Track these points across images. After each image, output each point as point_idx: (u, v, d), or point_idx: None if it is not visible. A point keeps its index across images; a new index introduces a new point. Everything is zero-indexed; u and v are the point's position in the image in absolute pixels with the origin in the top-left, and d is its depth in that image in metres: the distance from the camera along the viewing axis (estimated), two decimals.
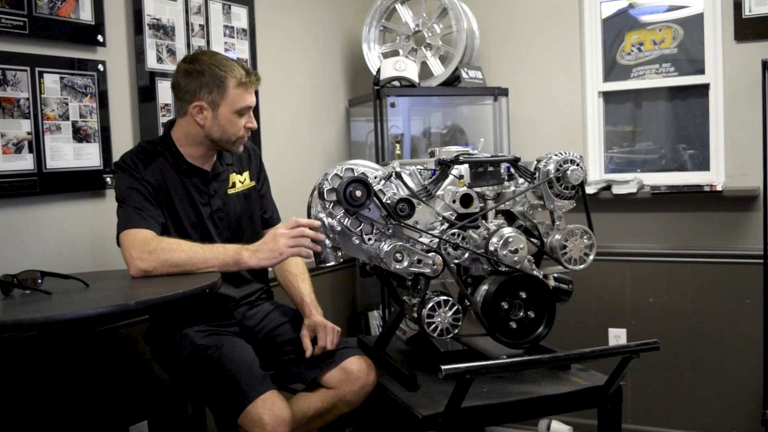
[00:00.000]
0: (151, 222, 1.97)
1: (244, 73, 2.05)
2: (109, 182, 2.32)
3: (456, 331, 1.87)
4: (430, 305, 1.85)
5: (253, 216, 2.26)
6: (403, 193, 1.93)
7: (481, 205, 1.99)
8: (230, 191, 2.19)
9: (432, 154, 2.08)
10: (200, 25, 2.68)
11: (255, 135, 2.94)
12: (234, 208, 2.19)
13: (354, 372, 2.03)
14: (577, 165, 1.96)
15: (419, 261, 1.85)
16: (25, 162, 2.10)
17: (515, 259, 1.89)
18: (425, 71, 3.37)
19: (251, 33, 2.92)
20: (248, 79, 2.06)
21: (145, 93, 2.47)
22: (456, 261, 1.91)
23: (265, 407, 1.86)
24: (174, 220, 2.07)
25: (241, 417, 1.87)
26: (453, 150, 2.04)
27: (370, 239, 1.87)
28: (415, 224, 1.90)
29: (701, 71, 3.19)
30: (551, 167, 1.96)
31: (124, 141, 2.38)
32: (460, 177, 1.98)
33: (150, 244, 1.91)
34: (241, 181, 2.23)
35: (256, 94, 2.91)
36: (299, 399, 2.04)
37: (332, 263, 1.94)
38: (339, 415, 2.08)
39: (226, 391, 1.91)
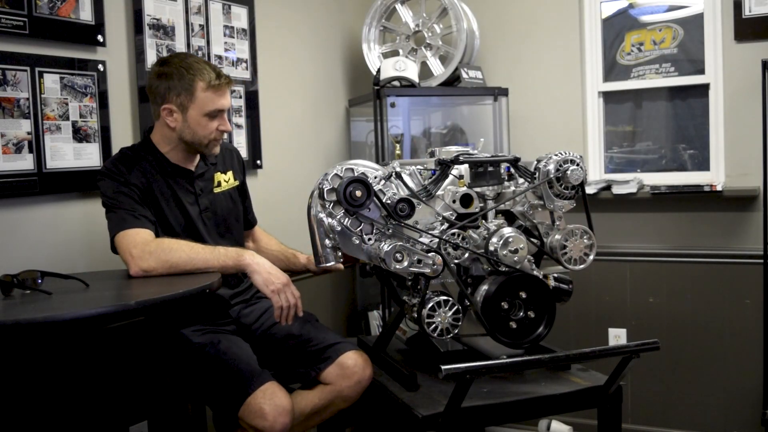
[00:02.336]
0: (145, 222, 1.98)
1: (213, 76, 2.04)
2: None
3: (456, 331, 1.87)
4: (430, 305, 1.85)
5: (239, 215, 2.28)
6: (403, 193, 1.93)
7: (481, 205, 1.99)
8: (216, 190, 2.21)
9: (432, 154, 2.08)
10: (200, 25, 2.68)
11: (255, 134, 2.94)
12: (221, 207, 2.20)
13: (350, 367, 2.03)
14: (577, 165, 1.96)
15: (419, 261, 1.85)
16: (25, 162, 2.10)
17: (515, 259, 1.89)
18: (425, 71, 3.37)
19: (251, 33, 2.92)
20: (218, 82, 2.04)
21: (145, 93, 2.46)
22: (456, 261, 1.91)
23: (265, 397, 1.87)
24: (161, 222, 2.07)
25: (242, 409, 1.88)
26: (453, 150, 2.04)
27: (370, 239, 1.87)
28: (415, 224, 1.90)
29: (701, 71, 3.19)
30: (551, 167, 1.96)
31: (124, 141, 2.38)
32: (460, 177, 1.98)
33: (150, 245, 1.91)
34: (225, 180, 2.25)
35: (251, 98, 2.94)
36: (296, 396, 2.04)
37: (332, 263, 1.94)
38: (337, 411, 2.09)
39: (226, 385, 1.92)
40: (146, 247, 1.90)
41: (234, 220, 2.25)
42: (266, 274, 1.96)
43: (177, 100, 2.05)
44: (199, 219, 2.13)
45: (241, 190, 2.34)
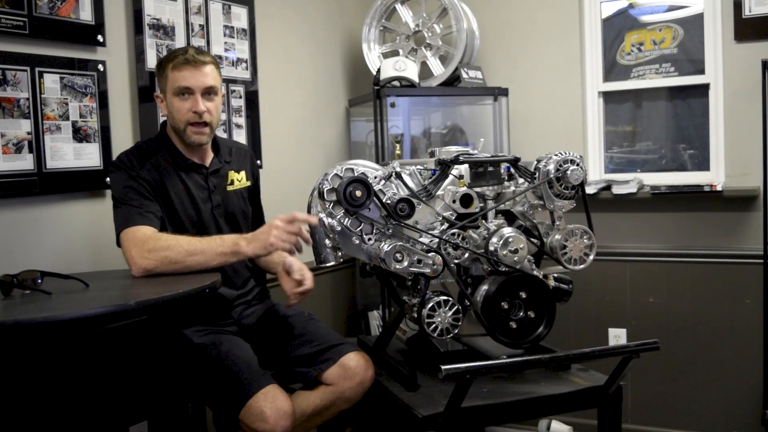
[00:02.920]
0: (150, 218, 1.98)
1: (181, 55, 2.05)
2: (109, 182, 2.31)
3: (456, 331, 1.87)
4: (430, 305, 1.85)
5: (248, 215, 2.28)
6: (403, 193, 1.93)
7: (481, 205, 1.99)
8: (229, 188, 2.21)
9: (432, 154, 2.08)
10: (200, 25, 2.68)
11: (255, 134, 2.94)
12: (232, 205, 2.20)
13: (352, 368, 2.03)
14: (577, 165, 1.96)
15: (419, 261, 1.85)
16: (25, 162, 2.10)
17: (515, 259, 1.89)
18: (425, 71, 3.37)
19: (251, 33, 2.92)
20: (183, 59, 2.03)
21: (145, 93, 2.46)
22: (456, 261, 1.91)
23: (266, 400, 1.86)
24: (172, 218, 2.07)
25: (243, 412, 1.87)
26: (453, 150, 2.04)
27: (370, 239, 1.87)
28: (415, 224, 1.90)
29: (701, 71, 3.19)
30: (551, 167, 1.96)
31: (124, 141, 2.38)
32: (460, 177, 1.98)
33: (149, 243, 1.91)
34: (238, 180, 2.25)
35: (251, 98, 2.93)
36: (298, 397, 2.04)
37: (332, 263, 1.94)
38: (338, 412, 2.08)
39: (227, 387, 1.92)
40: (145, 246, 1.90)
41: (243, 219, 2.25)
42: (258, 242, 1.93)
43: (159, 87, 2.12)
44: (211, 215, 2.14)
45: (253, 192, 2.33)
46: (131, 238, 1.93)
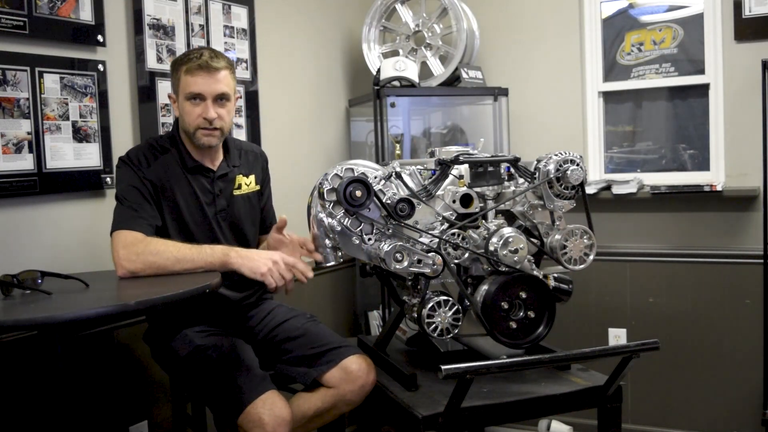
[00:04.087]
0: (143, 224, 1.97)
1: (194, 59, 2.03)
2: (109, 182, 2.32)
3: (456, 331, 1.87)
4: (430, 305, 1.85)
5: (255, 220, 2.26)
6: (403, 193, 1.93)
7: (481, 205, 1.99)
8: (236, 192, 2.19)
9: (432, 154, 2.08)
10: (200, 25, 2.68)
11: (255, 134, 2.94)
12: (238, 210, 2.19)
13: (354, 371, 2.02)
14: (577, 165, 1.96)
15: (419, 261, 1.85)
16: (25, 162, 2.10)
17: (515, 259, 1.89)
18: (425, 71, 3.37)
19: (251, 33, 2.92)
20: (193, 64, 2.02)
21: (145, 93, 2.47)
22: (456, 261, 1.91)
23: (264, 407, 1.86)
24: (177, 219, 2.06)
25: (241, 417, 1.87)
26: (453, 150, 2.04)
27: (370, 239, 1.87)
28: (415, 224, 1.90)
29: (701, 71, 3.19)
30: (551, 167, 1.96)
31: (124, 141, 2.39)
32: (460, 177, 1.98)
33: (138, 246, 1.90)
34: (246, 184, 2.23)
35: (251, 98, 2.93)
36: (299, 399, 2.04)
37: (332, 263, 1.94)
38: (339, 415, 2.08)
39: (226, 392, 1.91)
40: (133, 249, 1.89)
41: (250, 225, 2.23)
42: (251, 262, 1.93)
43: (172, 87, 2.12)
44: (214, 220, 2.13)
45: (261, 196, 2.31)
46: (121, 241, 1.92)
